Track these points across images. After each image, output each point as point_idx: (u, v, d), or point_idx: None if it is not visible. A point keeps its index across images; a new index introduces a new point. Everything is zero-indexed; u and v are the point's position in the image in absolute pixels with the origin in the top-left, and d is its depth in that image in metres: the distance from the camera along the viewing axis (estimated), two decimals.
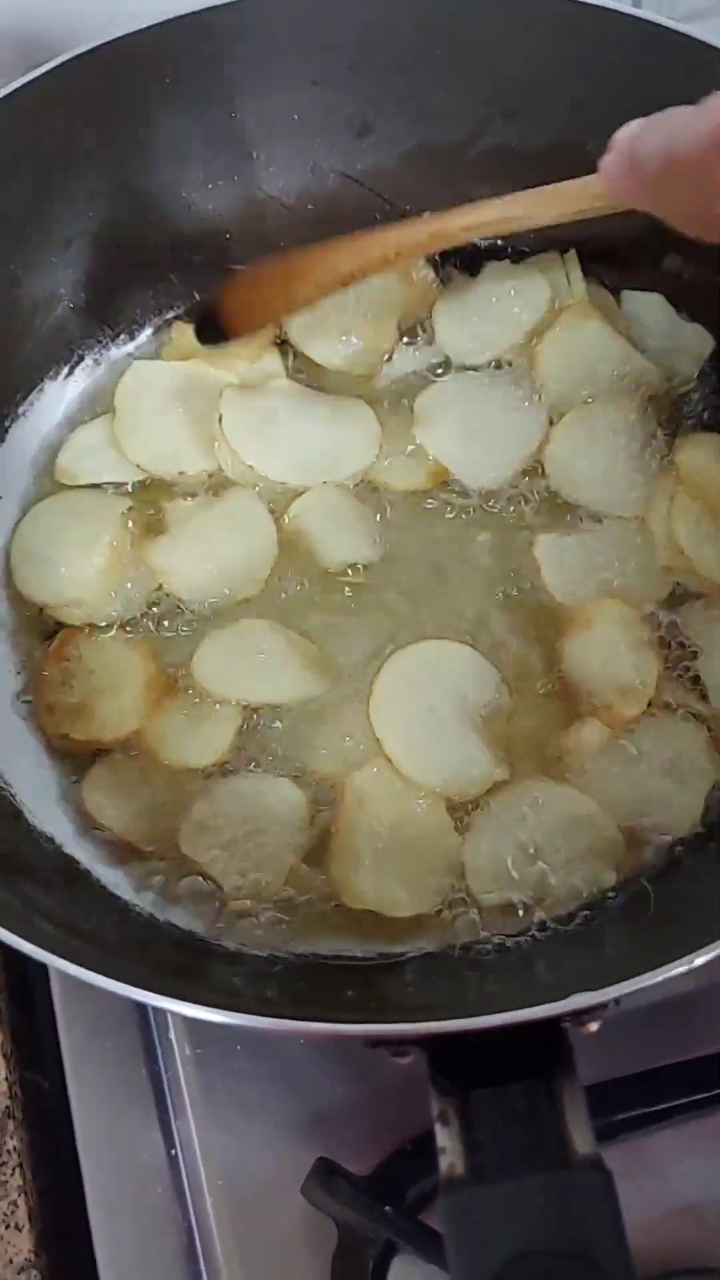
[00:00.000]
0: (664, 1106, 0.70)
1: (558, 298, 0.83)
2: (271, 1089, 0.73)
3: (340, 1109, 0.71)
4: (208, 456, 0.79)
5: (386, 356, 0.83)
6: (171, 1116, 0.73)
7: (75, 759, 0.73)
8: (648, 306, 0.83)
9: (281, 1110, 0.72)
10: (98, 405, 0.83)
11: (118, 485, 0.80)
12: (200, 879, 0.68)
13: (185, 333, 0.81)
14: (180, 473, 0.79)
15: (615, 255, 0.83)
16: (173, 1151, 0.73)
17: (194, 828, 0.69)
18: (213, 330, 0.76)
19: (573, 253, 0.83)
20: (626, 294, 0.84)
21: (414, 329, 0.84)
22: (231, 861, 0.68)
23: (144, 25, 0.76)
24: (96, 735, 0.72)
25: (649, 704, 0.70)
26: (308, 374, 0.83)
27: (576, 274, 0.83)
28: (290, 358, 0.83)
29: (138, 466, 0.80)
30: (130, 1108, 0.74)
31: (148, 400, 0.81)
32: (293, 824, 0.69)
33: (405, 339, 0.84)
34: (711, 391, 0.81)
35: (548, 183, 0.81)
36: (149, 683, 0.73)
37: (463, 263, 0.85)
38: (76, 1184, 0.71)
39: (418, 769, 0.69)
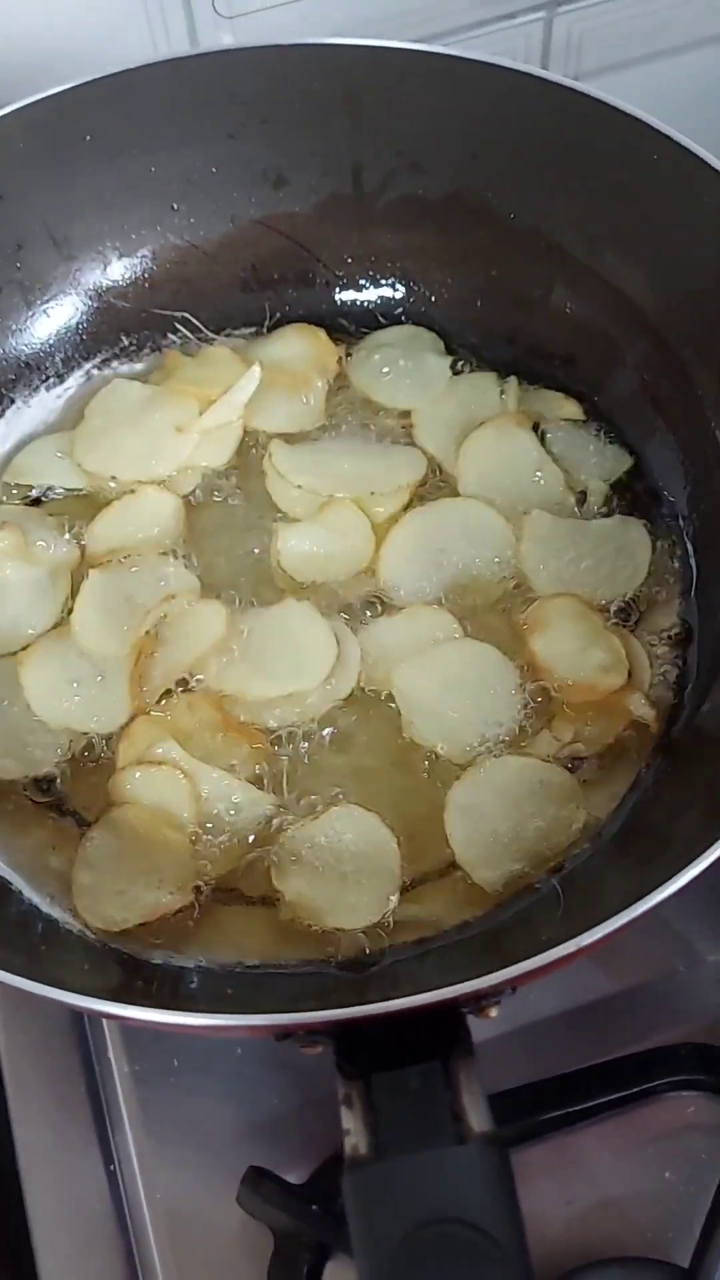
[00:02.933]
0: (585, 1106, 0.73)
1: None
2: (208, 1103, 0.75)
3: (276, 1120, 0.73)
4: (147, 468, 0.83)
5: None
6: (110, 1133, 0.75)
7: None
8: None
9: (218, 1123, 0.74)
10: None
11: (51, 492, 0.85)
12: None
13: (176, 360, 0.86)
14: (112, 478, 0.83)
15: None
16: (111, 1167, 0.74)
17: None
18: None
19: (513, 378, 0.86)
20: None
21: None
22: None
23: (66, 86, 0.80)
24: None
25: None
26: None
27: (513, 393, 0.86)
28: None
29: (82, 471, 0.84)
30: (70, 1125, 0.75)
31: (117, 413, 0.85)
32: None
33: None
34: None
35: (451, 228, 0.87)
36: None
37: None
38: (18, 1201, 0.73)
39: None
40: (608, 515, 0.82)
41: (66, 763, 0.75)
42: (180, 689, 0.76)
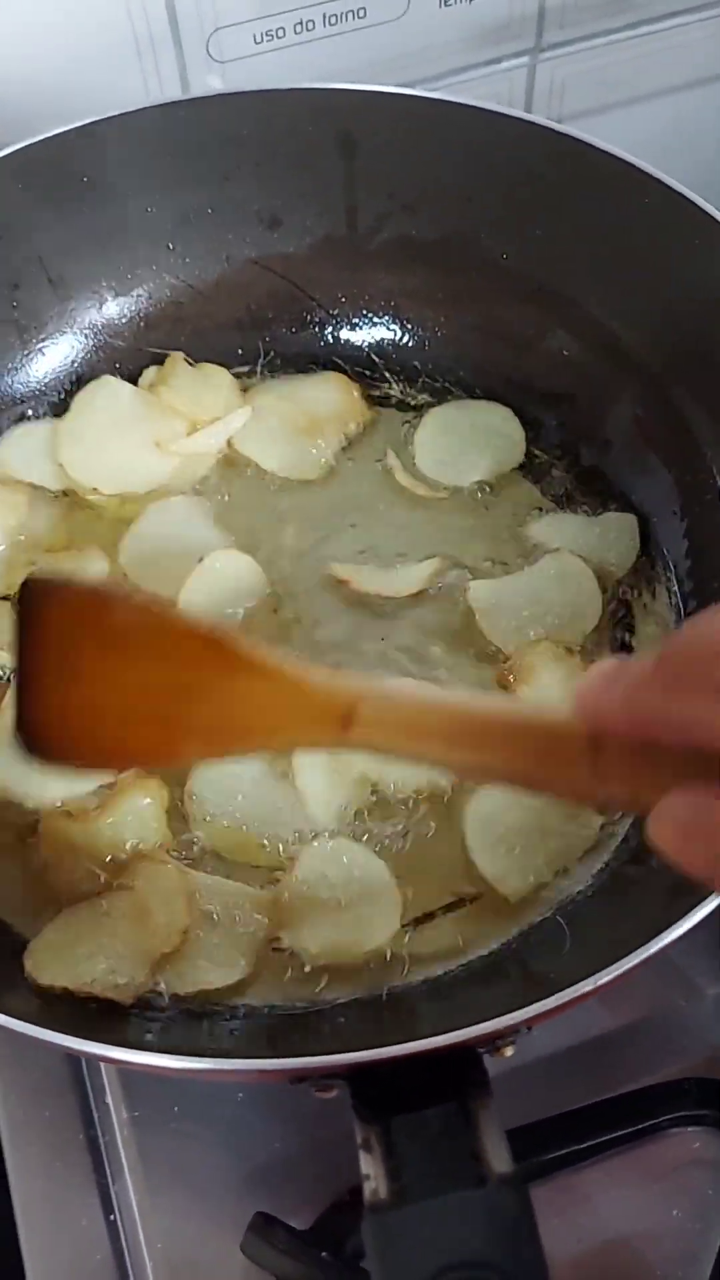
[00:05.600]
0: (591, 1143, 0.72)
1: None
2: (210, 1149, 0.74)
3: (279, 1165, 0.73)
4: (129, 482, 0.83)
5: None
6: (110, 1181, 0.74)
7: None
8: None
9: (220, 1169, 0.73)
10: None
11: (35, 488, 0.84)
12: None
13: (173, 364, 0.86)
14: (94, 490, 0.83)
15: None
16: (111, 1217, 0.73)
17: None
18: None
19: None
20: None
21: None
22: None
23: (62, 129, 0.80)
24: None
25: None
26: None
27: None
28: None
29: (61, 470, 0.83)
30: (68, 1175, 0.74)
31: (105, 413, 0.85)
32: None
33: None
34: None
35: (445, 268, 0.88)
36: None
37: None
38: (15, 1253, 0.71)
39: None
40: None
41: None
42: None
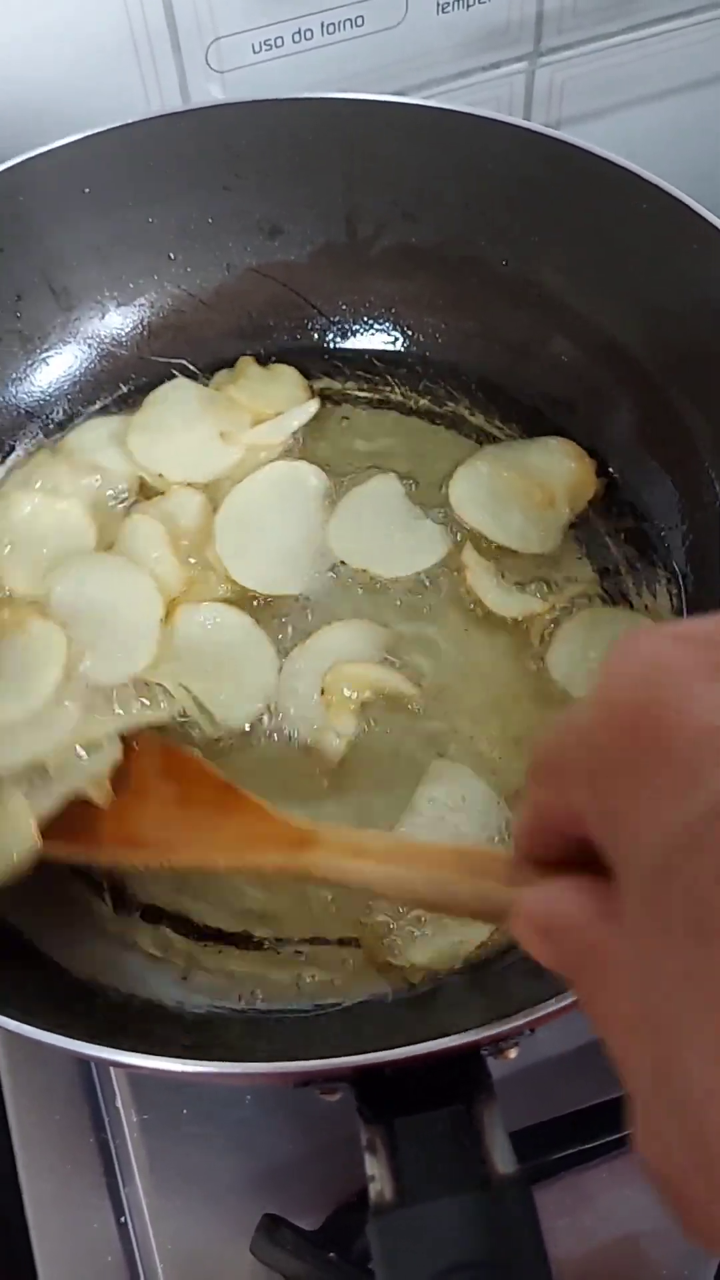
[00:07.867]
0: (597, 1143, 0.73)
1: None
2: (219, 1151, 0.74)
3: (287, 1167, 0.73)
4: (194, 471, 0.85)
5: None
6: (120, 1184, 0.74)
7: None
8: None
9: (230, 1172, 0.73)
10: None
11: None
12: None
13: (244, 366, 0.88)
14: (160, 475, 0.84)
15: None
16: (122, 1219, 0.74)
17: None
18: None
19: None
20: None
21: None
22: None
23: (64, 141, 0.81)
24: None
25: None
26: None
27: None
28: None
29: (132, 458, 0.85)
30: (79, 1178, 0.75)
31: (175, 408, 0.87)
32: None
33: None
34: None
35: (444, 275, 0.89)
36: None
37: None
38: (27, 1255, 0.72)
39: None
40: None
41: None
42: None
